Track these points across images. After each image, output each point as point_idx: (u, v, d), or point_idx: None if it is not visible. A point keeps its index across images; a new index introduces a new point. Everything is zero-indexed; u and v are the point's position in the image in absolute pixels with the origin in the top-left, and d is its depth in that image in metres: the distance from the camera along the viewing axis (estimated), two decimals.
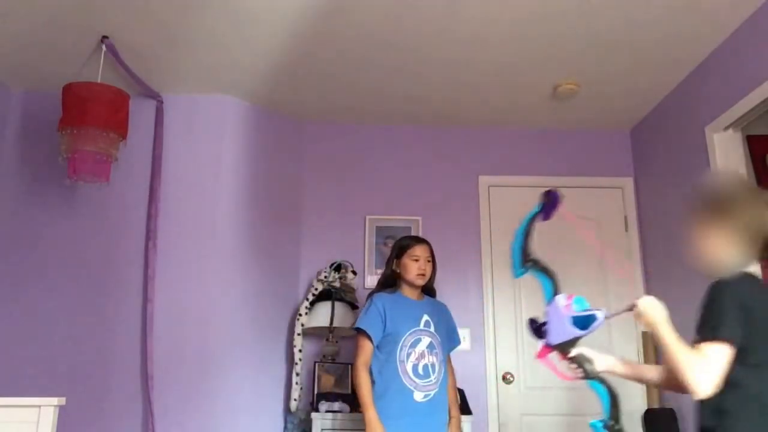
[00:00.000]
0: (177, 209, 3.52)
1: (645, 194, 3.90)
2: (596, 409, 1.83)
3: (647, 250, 3.86)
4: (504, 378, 3.69)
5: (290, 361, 3.57)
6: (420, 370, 2.71)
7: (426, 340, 2.77)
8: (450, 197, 3.97)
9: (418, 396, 2.69)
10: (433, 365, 2.75)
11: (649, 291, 3.82)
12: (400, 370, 2.70)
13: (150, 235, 3.45)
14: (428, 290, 2.98)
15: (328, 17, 2.92)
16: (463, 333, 3.75)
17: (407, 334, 2.75)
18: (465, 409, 3.26)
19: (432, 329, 2.81)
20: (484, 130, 4.11)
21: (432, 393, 2.71)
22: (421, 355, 2.73)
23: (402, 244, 2.94)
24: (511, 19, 2.92)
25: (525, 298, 3.82)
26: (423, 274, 2.86)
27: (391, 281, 2.90)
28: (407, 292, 2.88)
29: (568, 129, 4.11)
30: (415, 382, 2.69)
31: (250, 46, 3.19)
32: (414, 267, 2.85)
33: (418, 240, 2.97)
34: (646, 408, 3.60)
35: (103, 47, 3.13)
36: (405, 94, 3.68)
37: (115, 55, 3.17)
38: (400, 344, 2.73)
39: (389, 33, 3.05)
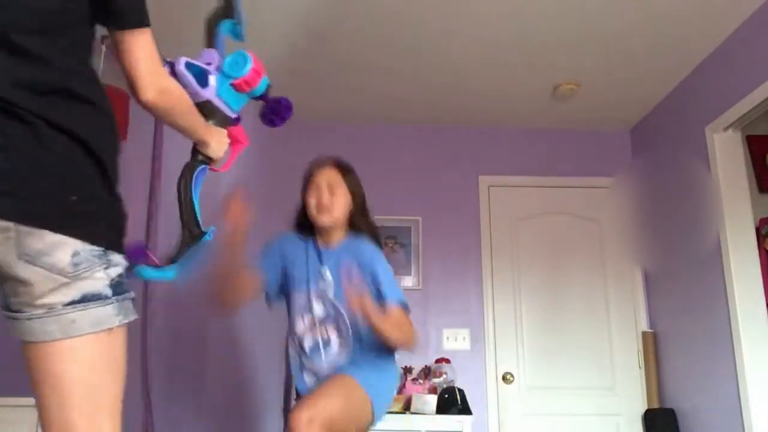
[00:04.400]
0: (177, 209, 3.52)
1: (645, 194, 3.89)
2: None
3: (647, 250, 3.86)
4: (504, 378, 3.69)
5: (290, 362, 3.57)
6: (305, 346, 2.04)
7: (317, 306, 2.04)
8: (450, 197, 3.97)
9: (309, 380, 2.04)
10: (327, 343, 2.01)
11: (649, 291, 3.82)
12: (289, 342, 2.08)
13: (150, 235, 3.45)
14: (362, 231, 2.14)
15: (328, 19, 2.92)
16: (463, 333, 3.76)
17: (296, 293, 2.07)
18: (465, 409, 3.26)
19: (331, 293, 2.01)
20: (484, 130, 4.11)
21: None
22: (310, 326, 2.05)
23: (304, 175, 2.17)
24: (511, 19, 2.92)
25: (525, 298, 3.82)
26: (325, 208, 2.07)
27: (304, 225, 2.17)
28: (319, 239, 2.13)
29: (568, 129, 4.11)
30: (300, 360, 2.07)
31: (250, 47, 3.18)
32: (312, 200, 2.08)
33: (319, 163, 2.15)
34: (646, 408, 3.60)
35: (103, 47, 3.12)
36: (405, 94, 3.68)
37: (116, 55, 3.17)
38: (291, 307, 2.10)
39: (389, 33, 3.05)
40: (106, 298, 1.11)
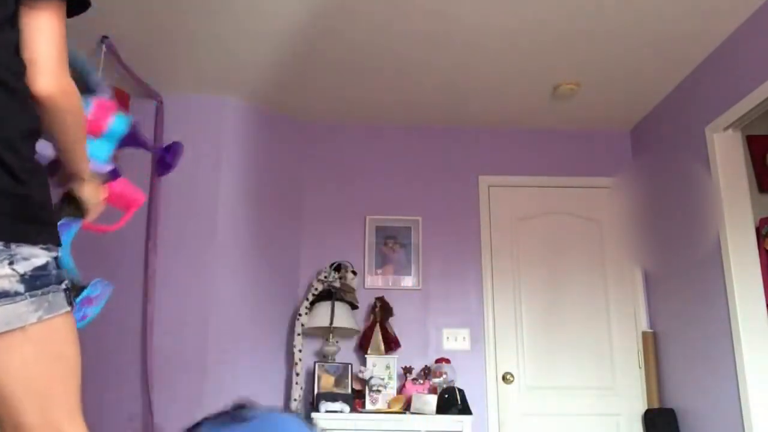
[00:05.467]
0: (177, 209, 3.52)
1: (645, 194, 3.89)
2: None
3: (647, 250, 3.86)
4: (504, 378, 3.69)
5: (290, 361, 3.57)
6: None
7: None
8: (450, 197, 3.98)
9: None
10: None
11: (649, 291, 3.82)
12: None
13: (150, 235, 3.45)
14: None
15: (328, 19, 2.92)
16: (463, 333, 3.76)
17: None
18: (465, 409, 3.26)
19: None
20: (484, 130, 4.11)
21: None
22: None
23: None
24: (511, 19, 2.92)
25: (525, 298, 3.82)
26: None
27: None
28: None
29: (568, 129, 4.11)
30: None
31: (251, 46, 3.19)
32: None
33: None
34: (646, 408, 3.60)
35: (103, 47, 3.13)
36: (405, 94, 3.68)
37: (115, 55, 3.18)
38: None
39: (389, 33, 3.05)
40: (16, 294, 1.03)
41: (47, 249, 1.10)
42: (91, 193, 1.40)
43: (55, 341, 1.09)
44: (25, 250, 1.05)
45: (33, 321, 1.05)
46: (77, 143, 1.25)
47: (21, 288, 1.03)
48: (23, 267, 1.04)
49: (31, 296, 1.04)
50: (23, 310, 1.03)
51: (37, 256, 1.07)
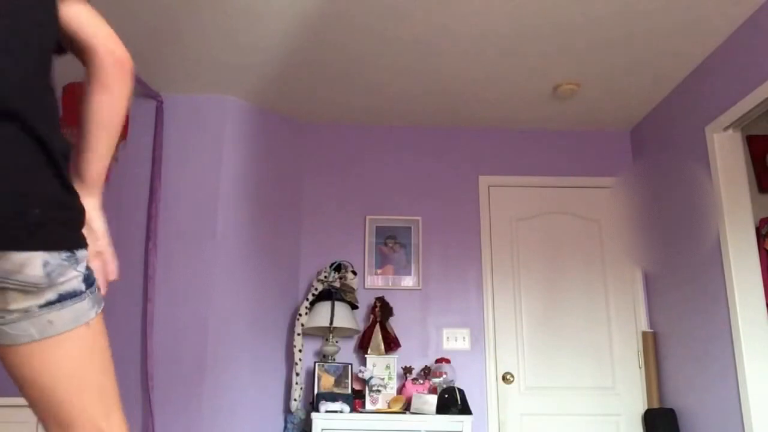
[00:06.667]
0: (177, 209, 3.52)
1: (645, 194, 3.89)
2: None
3: (647, 250, 3.86)
4: (504, 378, 3.69)
5: (290, 361, 3.58)
6: None
7: None
8: (450, 197, 3.98)
9: None
10: None
11: (649, 291, 3.82)
12: None
13: (150, 235, 3.45)
14: None
15: (328, 18, 2.93)
16: (463, 333, 3.76)
17: None
18: (465, 409, 3.26)
19: None
20: (484, 130, 4.12)
21: None
22: None
23: None
24: (511, 19, 2.92)
25: (525, 298, 3.82)
26: None
27: None
28: None
29: (568, 129, 4.11)
30: None
31: (251, 46, 3.19)
32: None
33: None
34: (646, 408, 3.60)
35: None
36: (405, 94, 3.68)
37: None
38: None
39: (389, 34, 3.05)
40: (81, 293, 1.09)
41: (86, 249, 1.16)
42: (98, 218, 1.30)
43: (101, 338, 1.15)
44: (82, 253, 1.11)
45: (93, 317, 1.12)
46: (112, 130, 1.24)
47: (83, 287, 1.10)
48: (82, 267, 1.11)
49: (90, 293, 1.11)
50: (86, 306, 1.10)
51: (86, 256, 1.13)
